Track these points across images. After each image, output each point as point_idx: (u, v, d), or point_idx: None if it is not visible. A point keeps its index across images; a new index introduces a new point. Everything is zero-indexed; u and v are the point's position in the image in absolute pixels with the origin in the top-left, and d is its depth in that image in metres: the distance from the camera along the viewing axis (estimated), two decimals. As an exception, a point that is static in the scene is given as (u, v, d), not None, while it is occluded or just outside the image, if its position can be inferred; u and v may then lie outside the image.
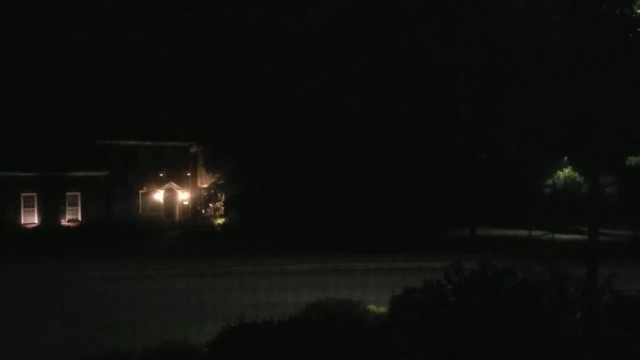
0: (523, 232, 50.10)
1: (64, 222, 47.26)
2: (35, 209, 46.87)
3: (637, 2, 12.24)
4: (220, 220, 51.58)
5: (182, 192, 52.59)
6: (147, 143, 51.07)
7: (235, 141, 48.99)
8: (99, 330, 18.83)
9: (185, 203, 52.92)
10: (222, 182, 52.32)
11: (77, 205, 48.20)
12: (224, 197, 53.37)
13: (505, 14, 12.20)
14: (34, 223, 46.52)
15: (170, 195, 52.42)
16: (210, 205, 54.70)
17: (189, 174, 53.26)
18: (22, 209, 46.50)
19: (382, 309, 15.61)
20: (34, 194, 46.76)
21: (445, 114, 39.76)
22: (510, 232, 50.82)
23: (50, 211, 46.93)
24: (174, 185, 52.15)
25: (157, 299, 24.06)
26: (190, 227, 49.47)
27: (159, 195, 51.71)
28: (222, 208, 54.12)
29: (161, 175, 51.56)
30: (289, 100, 48.76)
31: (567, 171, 54.98)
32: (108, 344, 16.22)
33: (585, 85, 12.44)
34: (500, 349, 11.41)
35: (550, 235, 46.67)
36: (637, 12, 12.30)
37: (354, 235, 40.82)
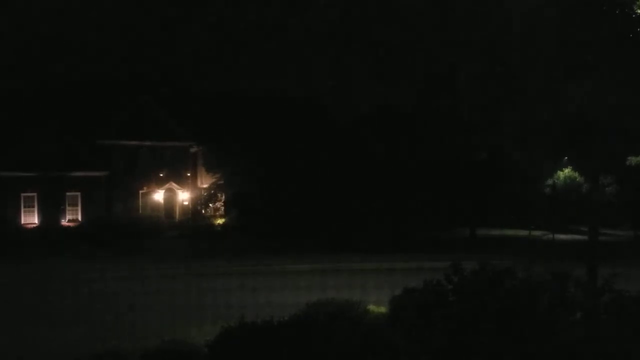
0: (523, 232, 50.11)
1: (64, 222, 47.24)
2: (35, 209, 46.84)
3: (637, 2, 12.25)
4: (220, 220, 51.57)
5: (182, 192, 52.59)
6: (147, 143, 51.07)
7: (235, 141, 48.99)
8: (99, 330, 18.82)
9: (185, 203, 52.91)
10: (222, 182, 52.30)
11: (77, 205, 48.18)
12: (224, 197, 53.34)
13: (504, 15, 12.22)
14: (34, 223, 46.50)
15: (171, 195, 52.42)
16: (210, 205, 54.66)
17: (189, 174, 53.25)
18: (22, 209, 46.45)
19: (382, 309, 15.61)
20: (34, 194, 46.72)
21: (445, 115, 39.85)
22: (510, 232, 50.81)
23: (51, 211, 46.90)
24: (174, 185, 52.16)
25: (157, 299, 24.06)
26: (190, 227, 49.44)
27: (159, 196, 51.71)
28: (222, 208, 54.09)
29: (161, 175, 51.56)
30: (289, 100, 48.87)
31: (567, 171, 54.97)
32: (108, 343, 16.22)
33: (585, 85, 12.45)
34: (500, 349, 11.41)
35: (550, 235, 46.69)
36: (637, 12, 12.32)
37: (354, 236, 40.80)
